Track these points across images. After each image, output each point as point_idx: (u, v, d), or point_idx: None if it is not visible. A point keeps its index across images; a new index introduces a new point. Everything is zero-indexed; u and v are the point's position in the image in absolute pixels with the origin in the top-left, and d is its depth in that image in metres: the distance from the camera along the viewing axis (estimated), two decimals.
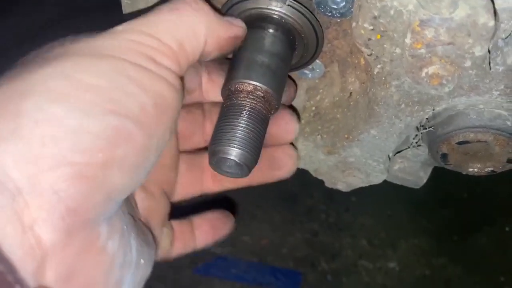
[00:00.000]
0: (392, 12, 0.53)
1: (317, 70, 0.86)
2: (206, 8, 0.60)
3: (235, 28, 0.66)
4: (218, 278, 2.05)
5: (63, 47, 0.53)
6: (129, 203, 0.65)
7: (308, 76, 0.88)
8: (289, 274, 2.06)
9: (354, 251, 2.16)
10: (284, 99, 0.78)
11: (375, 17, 0.55)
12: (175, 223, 0.80)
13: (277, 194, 2.23)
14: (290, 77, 0.86)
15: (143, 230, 0.66)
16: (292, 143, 0.85)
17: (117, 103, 0.49)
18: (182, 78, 0.59)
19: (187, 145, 0.80)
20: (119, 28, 0.54)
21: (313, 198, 2.26)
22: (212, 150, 0.66)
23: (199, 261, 2.08)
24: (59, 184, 0.44)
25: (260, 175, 0.81)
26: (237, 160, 0.65)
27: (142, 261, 0.60)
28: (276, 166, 0.81)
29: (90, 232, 0.49)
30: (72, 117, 0.46)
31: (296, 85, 0.85)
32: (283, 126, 0.78)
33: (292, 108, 0.85)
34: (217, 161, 0.66)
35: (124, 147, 0.49)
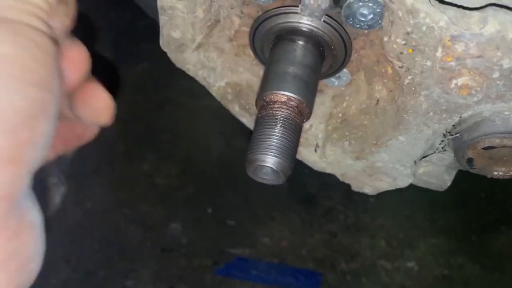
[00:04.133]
0: (424, 28, 0.56)
1: (343, 78, 0.90)
2: None
3: None
4: (239, 279, 2.09)
5: None
6: None
7: (335, 83, 0.91)
8: (309, 274, 2.09)
9: (373, 251, 2.18)
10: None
11: (407, 33, 0.58)
12: None
13: (296, 196, 2.27)
14: None
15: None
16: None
17: (34, 73, 0.45)
18: None
19: None
20: None
21: (331, 199, 2.29)
22: (250, 159, 0.69)
23: (220, 262, 2.12)
24: None
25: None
26: (274, 168, 0.68)
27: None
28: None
29: (18, 212, 0.47)
30: None
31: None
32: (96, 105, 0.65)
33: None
34: (254, 169, 0.70)
35: (44, 120, 0.47)
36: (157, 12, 1.27)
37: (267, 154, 0.68)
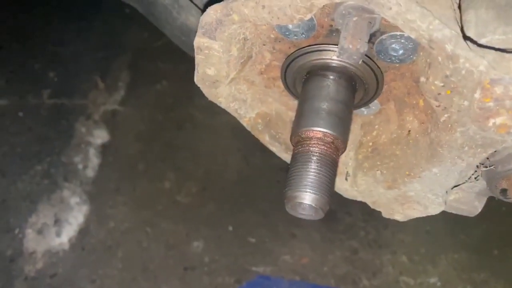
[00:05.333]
0: (463, 72, 0.57)
1: (373, 108, 0.91)
2: None
3: None
4: None
5: None
6: None
7: (364, 112, 0.93)
8: None
9: (394, 267, 2.18)
10: None
11: (446, 76, 0.59)
12: None
13: None
14: None
15: None
16: None
17: None
18: None
19: None
20: None
21: (351, 215, 2.29)
22: (288, 196, 0.71)
23: (242, 280, 2.13)
24: None
25: None
26: (312, 205, 0.70)
27: None
28: None
29: None
30: None
31: None
32: None
33: None
34: (293, 205, 0.72)
35: None
36: (177, 36, 1.30)
37: (305, 192, 0.70)
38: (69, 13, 2.90)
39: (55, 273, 2.12)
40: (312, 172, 0.71)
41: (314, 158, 0.72)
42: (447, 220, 2.29)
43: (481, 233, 2.27)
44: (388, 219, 2.23)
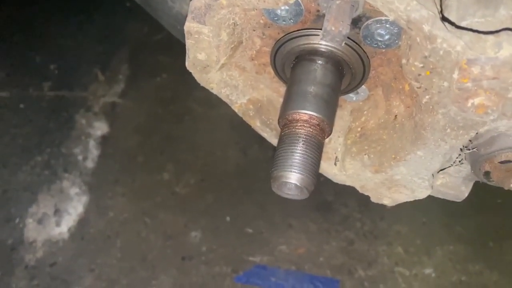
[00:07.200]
0: (441, 52, 0.59)
1: (361, 94, 0.93)
2: None
3: None
4: (258, 286, 2.12)
5: None
6: None
7: (353, 99, 0.94)
8: (327, 281, 2.12)
9: (390, 258, 2.20)
10: None
11: (425, 57, 0.61)
12: None
13: (312, 203, 2.30)
14: None
15: None
16: None
17: None
18: None
19: None
20: None
21: (348, 206, 2.31)
22: (274, 176, 0.73)
23: (239, 270, 2.16)
24: None
25: None
26: (297, 184, 0.72)
27: None
28: None
29: None
30: None
31: None
32: None
33: None
34: (279, 185, 0.74)
35: None
36: (173, 26, 1.31)
37: (291, 171, 0.72)
38: (70, 6, 2.93)
39: (55, 262, 2.16)
40: (298, 153, 0.73)
41: (300, 139, 0.74)
42: (443, 212, 2.31)
43: (477, 225, 2.29)
44: (384, 210, 2.25)
